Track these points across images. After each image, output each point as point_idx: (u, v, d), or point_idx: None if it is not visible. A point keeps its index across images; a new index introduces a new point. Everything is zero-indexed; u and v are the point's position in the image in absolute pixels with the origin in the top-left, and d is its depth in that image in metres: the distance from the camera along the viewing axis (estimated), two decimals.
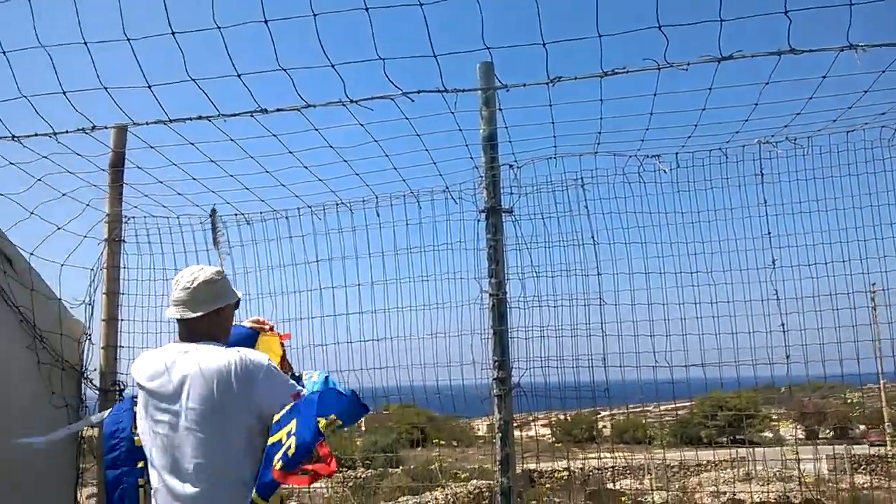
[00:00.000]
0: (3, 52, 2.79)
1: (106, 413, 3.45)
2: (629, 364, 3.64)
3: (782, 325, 3.59)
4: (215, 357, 2.80)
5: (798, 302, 3.59)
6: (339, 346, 3.82)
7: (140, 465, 3.19)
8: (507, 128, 3.51)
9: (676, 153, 3.65)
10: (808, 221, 3.68)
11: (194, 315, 2.86)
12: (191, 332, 2.88)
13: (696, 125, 3.28)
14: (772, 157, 3.67)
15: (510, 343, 3.66)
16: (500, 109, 3.51)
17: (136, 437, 3.10)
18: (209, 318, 2.89)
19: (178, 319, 2.90)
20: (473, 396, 3.85)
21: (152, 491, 2.94)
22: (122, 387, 4.05)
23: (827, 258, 3.63)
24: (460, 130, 3.40)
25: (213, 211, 3.07)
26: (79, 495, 3.98)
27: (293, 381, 2.93)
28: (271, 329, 3.38)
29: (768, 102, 3.06)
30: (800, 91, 3.04)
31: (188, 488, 2.78)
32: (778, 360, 3.57)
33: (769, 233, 3.68)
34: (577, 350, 3.69)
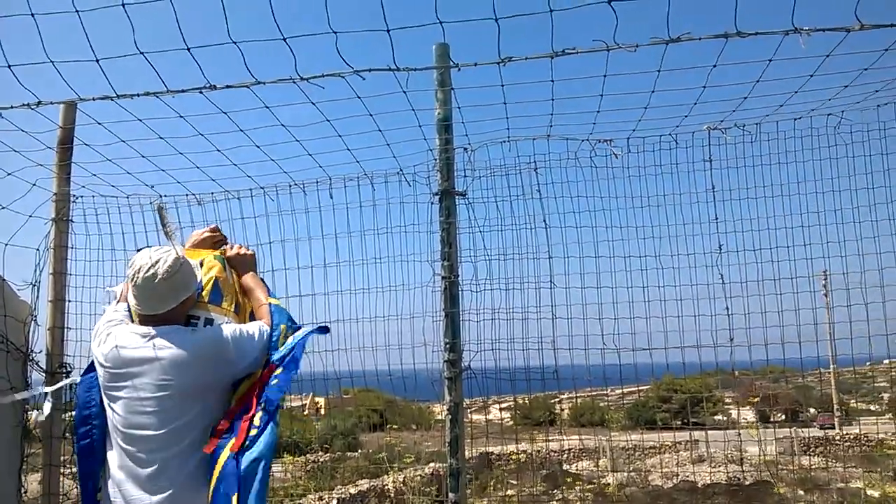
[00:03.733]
0: None
1: (46, 408, 3.36)
2: (578, 347, 3.69)
3: (727, 308, 3.67)
4: (176, 340, 2.76)
5: (743, 286, 3.67)
6: None
7: None
8: (460, 108, 3.51)
9: (628, 138, 3.70)
10: (755, 207, 3.77)
11: (160, 312, 2.81)
12: (154, 318, 2.84)
13: (645, 107, 3.32)
14: (720, 144, 3.74)
15: (462, 325, 3.68)
16: (455, 89, 3.50)
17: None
18: (175, 308, 2.85)
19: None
20: (425, 379, 3.87)
21: (108, 480, 2.88)
22: (70, 369, 3.99)
23: (772, 244, 3.72)
24: (413, 111, 3.39)
25: (160, 207, 3.00)
26: (23, 481, 3.91)
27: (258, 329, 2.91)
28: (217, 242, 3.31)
29: (716, 85, 3.10)
30: (748, 75, 3.09)
31: (145, 495, 2.75)
32: (722, 343, 3.65)
33: (717, 218, 3.75)
34: (528, 333, 3.73)
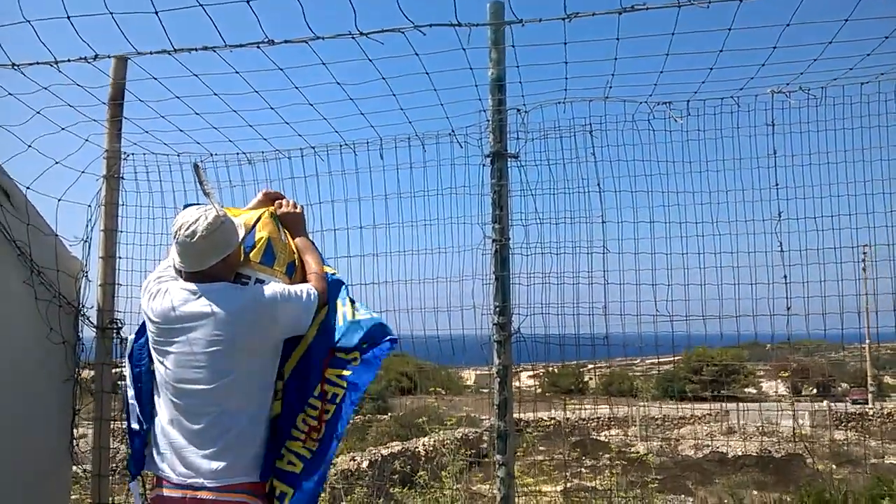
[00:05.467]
0: None
1: None
2: (630, 313, 3.64)
3: (785, 277, 3.59)
4: (227, 297, 2.78)
5: (802, 254, 3.58)
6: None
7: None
8: (518, 67, 3.43)
9: (688, 101, 3.59)
10: (817, 174, 3.65)
11: (201, 269, 2.82)
12: (199, 275, 2.85)
13: (711, 68, 3.22)
14: (784, 108, 3.62)
15: (511, 289, 3.65)
16: (515, 47, 3.41)
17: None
18: (217, 265, 2.86)
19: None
20: (471, 344, 3.85)
21: (158, 435, 2.92)
22: (120, 325, 4.02)
23: (833, 211, 3.62)
24: (471, 69, 3.32)
25: (196, 165, 2.98)
26: (75, 434, 3.98)
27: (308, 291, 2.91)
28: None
29: (786, 46, 3.00)
30: (820, 35, 2.98)
31: (196, 448, 2.78)
32: (779, 312, 3.57)
33: (777, 184, 3.65)
34: (579, 298, 3.68)
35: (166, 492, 2.83)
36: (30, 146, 3.48)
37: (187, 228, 2.76)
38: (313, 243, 3.23)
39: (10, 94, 3.13)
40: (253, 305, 2.76)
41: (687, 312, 3.59)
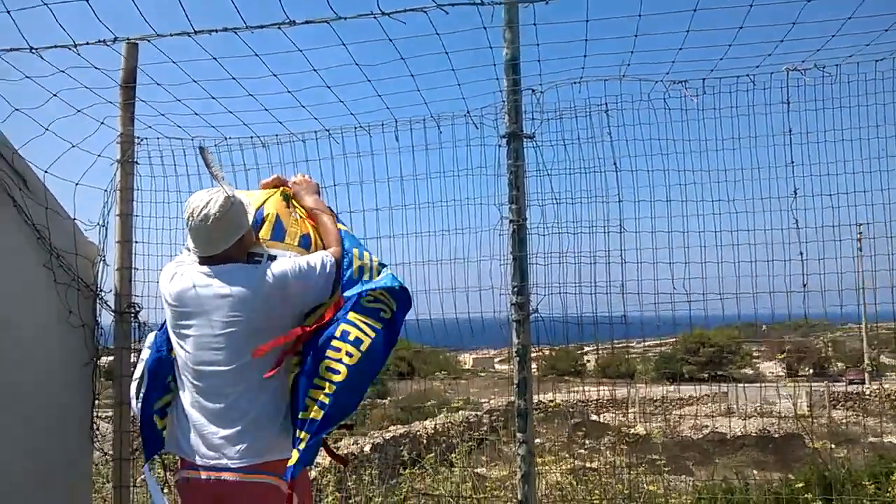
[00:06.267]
0: None
1: None
2: (648, 291, 3.66)
3: (801, 254, 3.61)
4: (241, 277, 2.79)
5: (818, 231, 3.61)
6: None
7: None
8: (538, 45, 3.43)
9: (703, 79, 3.60)
10: (833, 151, 3.68)
11: (217, 252, 2.83)
12: (213, 258, 2.86)
13: (729, 45, 3.23)
14: (799, 85, 3.64)
15: (528, 269, 3.67)
16: (535, 24, 3.40)
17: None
18: (231, 247, 2.87)
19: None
20: (488, 325, 3.87)
21: (179, 419, 2.94)
22: (138, 308, 4.04)
23: (848, 188, 3.64)
24: (490, 48, 3.32)
25: (202, 148, 2.98)
26: (95, 416, 4.00)
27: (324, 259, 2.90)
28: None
29: (806, 22, 3.01)
30: (839, 11, 2.98)
31: (218, 429, 2.80)
32: (795, 289, 3.60)
33: (792, 161, 3.67)
34: (596, 277, 3.70)
35: (191, 473, 2.86)
36: (47, 129, 3.48)
37: (199, 212, 2.76)
38: (330, 209, 3.22)
39: (27, 76, 3.12)
40: (264, 283, 2.76)
41: (704, 290, 3.62)
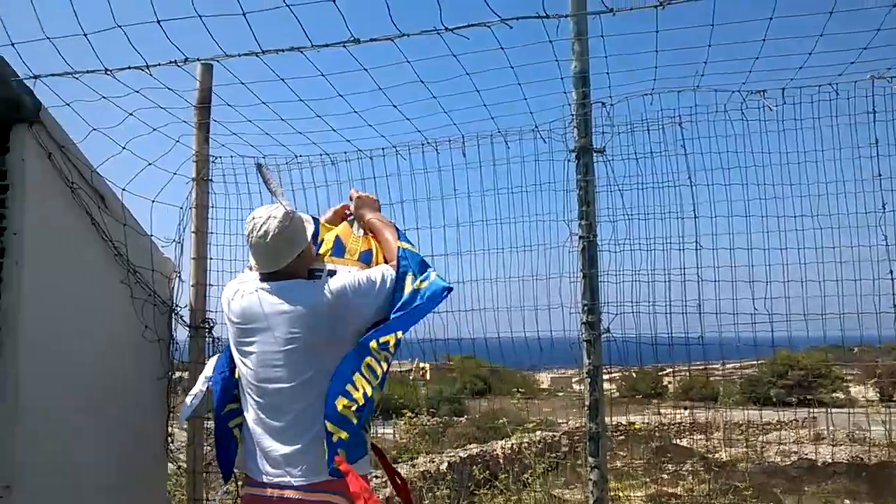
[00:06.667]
0: None
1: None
2: (726, 311, 3.50)
3: (891, 272, 3.39)
4: (300, 293, 2.79)
5: None
6: None
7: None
8: (607, 57, 3.34)
9: (783, 88, 3.44)
10: None
11: (278, 269, 2.85)
12: (274, 275, 2.88)
13: (810, 53, 3.07)
14: (885, 94, 3.43)
15: (599, 287, 3.57)
16: (603, 36, 3.32)
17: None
18: (291, 263, 2.88)
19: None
20: (557, 344, 3.77)
21: (243, 434, 2.97)
22: (212, 324, 4.11)
23: None
24: (556, 62, 3.26)
25: (258, 164, 3.02)
26: (170, 429, 4.08)
27: (383, 277, 2.86)
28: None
29: (891, 28, 2.83)
30: None
31: (281, 446, 2.80)
32: (886, 310, 3.38)
33: (879, 174, 3.46)
34: (671, 296, 3.57)
35: (255, 490, 2.87)
36: (124, 148, 3.59)
37: (259, 229, 2.79)
38: (392, 223, 3.21)
39: (103, 97, 3.23)
40: (323, 298, 2.75)
41: (787, 311, 3.44)
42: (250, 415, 2.92)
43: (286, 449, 2.79)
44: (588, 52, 3.54)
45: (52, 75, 3.10)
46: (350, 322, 2.81)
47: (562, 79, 3.45)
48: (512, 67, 3.25)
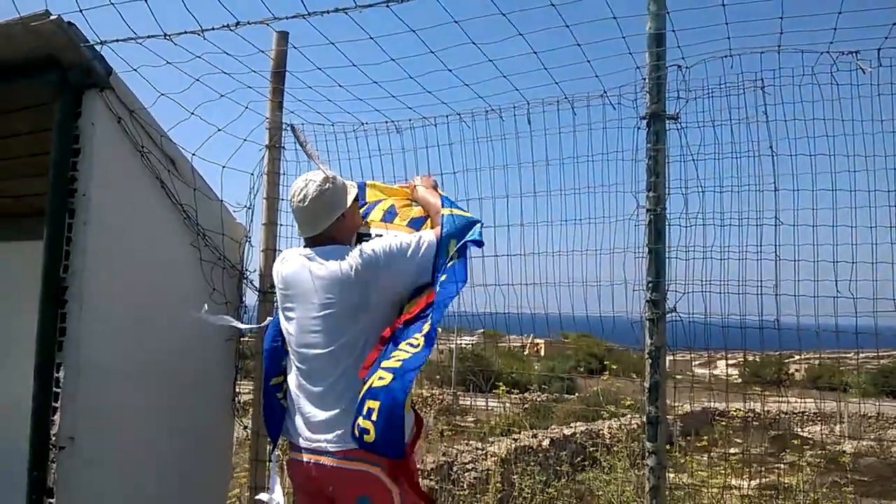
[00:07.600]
0: None
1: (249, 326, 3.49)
2: (806, 294, 3.19)
3: None
4: (335, 258, 2.78)
5: None
6: (486, 260, 3.64)
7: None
8: (672, 22, 3.09)
9: (878, 48, 3.06)
10: None
11: (317, 233, 2.86)
12: (316, 240, 2.88)
13: None
14: None
15: (667, 263, 3.35)
16: None
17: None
18: (331, 227, 2.88)
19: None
20: (620, 322, 3.58)
21: (289, 396, 3.00)
22: None
23: None
24: (624, 23, 3.04)
25: (294, 129, 3.00)
26: (237, 390, 4.19)
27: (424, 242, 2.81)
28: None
29: None
30: None
31: (318, 412, 2.80)
32: None
33: None
34: (745, 275, 3.29)
35: (295, 456, 2.90)
36: (192, 113, 3.66)
37: (299, 194, 2.84)
38: (442, 193, 3.15)
39: (167, 62, 3.29)
40: (355, 262, 2.73)
41: (874, 295, 3.10)
42: (293, 380, 2.95)
43: (324, 414, 2.80)
44: (666, 8, 3.32)
45: (117, 41, 3.17)
46: (384, 286, 2.77)
47: (626, 39, 3.22)
48: (575, 38, 3.05)
